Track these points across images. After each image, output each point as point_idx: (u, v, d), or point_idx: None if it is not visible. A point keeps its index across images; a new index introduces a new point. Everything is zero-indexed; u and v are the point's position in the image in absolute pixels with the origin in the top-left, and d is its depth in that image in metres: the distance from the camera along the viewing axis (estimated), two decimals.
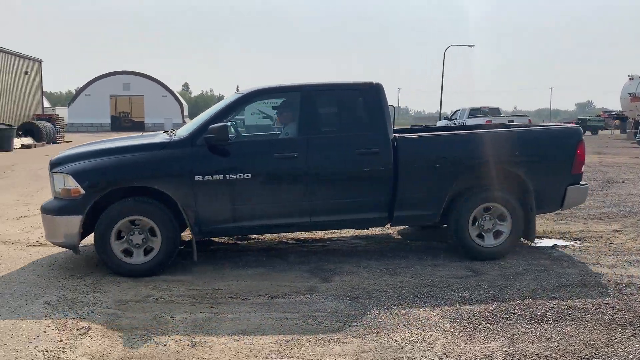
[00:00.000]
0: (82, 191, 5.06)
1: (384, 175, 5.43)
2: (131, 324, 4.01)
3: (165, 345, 3.63)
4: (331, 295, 4.58)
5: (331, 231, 7.00)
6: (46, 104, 46.32)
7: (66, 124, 39.63)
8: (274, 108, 6.58)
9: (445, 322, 4.00)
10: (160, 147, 5.37)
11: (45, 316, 4.16)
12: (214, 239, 6.49)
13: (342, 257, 5.78)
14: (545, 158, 5.75)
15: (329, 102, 5.87)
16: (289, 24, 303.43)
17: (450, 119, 27.46)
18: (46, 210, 5.26)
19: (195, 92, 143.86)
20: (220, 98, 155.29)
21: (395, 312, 4.20)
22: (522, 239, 5.93)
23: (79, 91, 56.92)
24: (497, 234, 5.63)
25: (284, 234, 6.83)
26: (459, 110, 27.91)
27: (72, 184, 5.09)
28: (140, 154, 5.35)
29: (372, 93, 5.64)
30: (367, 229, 6.50)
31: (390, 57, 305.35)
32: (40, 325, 3.98)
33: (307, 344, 3.64)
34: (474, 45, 44.45)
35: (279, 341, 3.68)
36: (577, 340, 3.68)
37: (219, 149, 5.26)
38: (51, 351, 3.55)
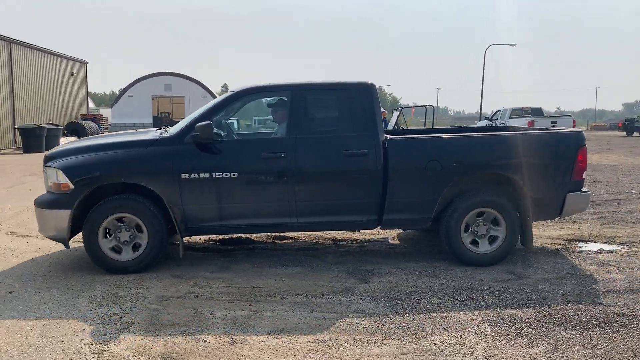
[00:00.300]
0: (72, 186, 5.15)
1: (373, 177, 5.34)
2: (172, 319, 4.09)
3: (205, 341, 3.69)
4: (369, 296, 4.56)
5: (369, 232, 6.97)
6: (91, 104, 47.76)
7: (110, 124, 40.80)
8: (268, 106, 6.53)
9: (486, 326, 3.93)
10: (148, 144, 5.39)
11: (91, 310, 4.29)
12: (253, 237, 6.56)
13: (380, 258, 5.75)
14: (542, 163, 5.53)
15: (319, 102, 5.79)
16: (324, 23, 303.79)
17: (490, 120, 26.92)
18: (38, 203, 5.37)
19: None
20: None
21: (435, 314, 4.15)
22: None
23: (122, 92, 58.31)
24: (491, 240, 5.47)
25: (320, 233, 6.85)
26: (499, 110, 27.36)
27: (62, 178, 5.18)
28: (128, 151, 5.37)
29: (363, 93, 5.53)
30: (397, 230, 6.42)
31: (429, 56, 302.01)
32: (85, 319, 4.10)
33: (345, 344, 3.63)
34: (515, 44, 43.37)
35: (317, 341, 3.68)
36: (624, 348, 3.55)
37: (206, 147, 5.27)
38: (96, 344, 3.65)
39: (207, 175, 5.19)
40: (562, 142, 5.69)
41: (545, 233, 6.80)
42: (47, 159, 5.45)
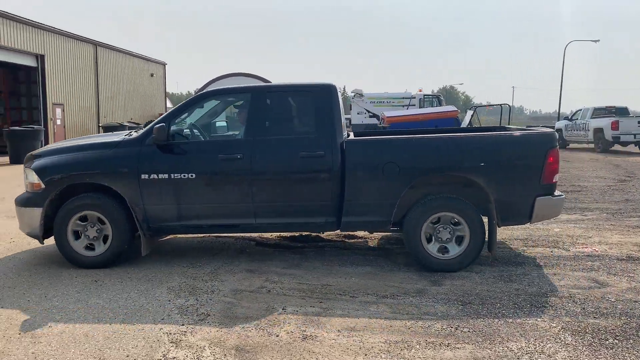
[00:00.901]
0: (43, 185, 5.39)
1: (330, 179, 5.24)
2: (246, 313, 4.19)
3: (277, 335, 3.75)
4: (441, 299, 4.47)
5: None
6: (168, 104, 49.70)
7: None
8: (236, 107, 6.43)
9: (567, 334, 3.75)
10: (113, 146, 5.52)
11: (169, 301, 4.47)
12: (323, 235, 6.60)
13: None
14: (508, 166, 5.24)
15: (279, 104, 5.74)
16: (399, 23, 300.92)
17: (570, 119, 25.64)
18: (16, 202, 5.65)
19: None
20: None
21: (511, 320, 4.01)
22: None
23: (198, 92, 60.52)
24: (454, 245, 5.23)
25: (391, 233, 6.79)
26: (580, 109, 26.00)
27: (35, 178, 5.45)
28: (94, 152, 5.52)
29: (322, 95, 5.47)
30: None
31: (505, 54, 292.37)
32: (164, 309, 4.27)
33: (417, 346, 3.58)
34: (599, 40, 41.01)
35: (388, 341, 3.65)
36: None
37: (167, 148, 5.36)
38: (174, 334, 3.80)
39: (166, 176, 5.28)
40: (530, 143, 5.37)
41: (631, 239, 6.40)
42: (26, 160, 5.73)
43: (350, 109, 32.61)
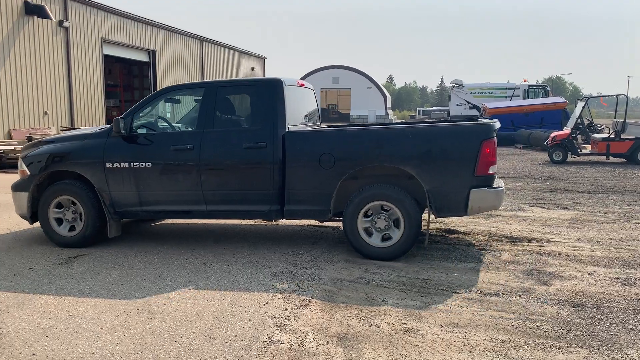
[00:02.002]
0: (28, 172, 6.09)
1: (272, 169, 5.45)
2: (346, 302, 4.23)
3: (378, 327, 3.75)
4: (551, 300, 4.24)
5: (549, 232, 6.50)
6: None
7: None
8: (195, 101, 6.53)
9: None
10: (84, 138, 6.04)
11: (272, 286, 4.61)
12: (422, 229, 6.49)
13: (562, 260, 5.31)
14: (439, 157, 5.22)
15: (229, 98, 5.97)
16: (498, 16, 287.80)
17: None
18: (11, 187, 6.32)
19: (399, 83, 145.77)
20: (424, 89, 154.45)
21: (631, 326, 3.72)
22: None
23: None
24: (389, 235, 5.33)
25: (494, 229, 6.55)
26: None
27: (22, 166, 6.18)
28: (70, 143, 6.08)
29: (268, 89, 5.66)
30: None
31: (617, 41, 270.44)
32: (268, 294, 4.42)
33: (526, 346, 3.42)
34: None
35: (494, 340, 3.53)
36: None
37: (128, 139, 5.82)
38: (278, 318, 3.92)
39: (127, 164, 5.74)
40: (463, 134, 5.28)
41: None
42: (23, 149, 6.40)
43: (449, 100, 31.76)
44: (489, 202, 5.33)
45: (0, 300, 4.35)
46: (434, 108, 63.30)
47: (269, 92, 5.66)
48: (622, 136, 14.91)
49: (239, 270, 5.06)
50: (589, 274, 4.86)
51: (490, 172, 5.25)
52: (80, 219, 5.97)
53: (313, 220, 6.03)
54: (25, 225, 7.10)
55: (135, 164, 5.74)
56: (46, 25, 18.91)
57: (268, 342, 3.52)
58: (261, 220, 7.09)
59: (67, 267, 5.25)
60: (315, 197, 5.47)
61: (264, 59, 40.20)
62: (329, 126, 6.97)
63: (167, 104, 6.30)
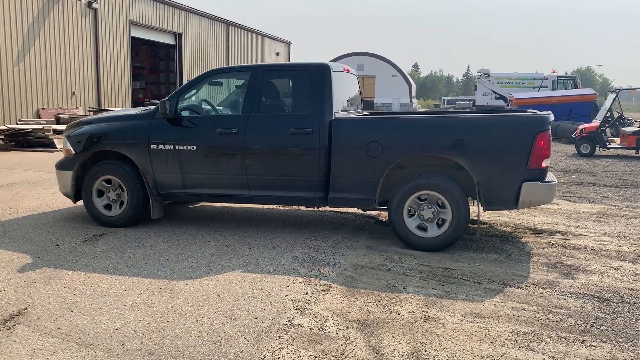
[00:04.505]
0: (73, 151, 6.13)
1: (317, 156, 5.39)
2: (366, 288, 4.22)
3: (399, 314, 3.74)
4: (575, 294, 4.17)
5: (574, 225, 6.38)
6: None
7: None
8: (236, 87, 6.47)
9: None
10: (130, 119, 6.06)
11: (293, 270, 4.63)
12: None
13: (588, 254, 5.21)
14: (492, 149, 5.07)
15: (275, 83, 5.90)
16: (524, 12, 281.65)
17: None
18: (56, 165, 6.39)
19: (424, 72, 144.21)
20: (449, 78, 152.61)
21: None
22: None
23: None
24: (437, 225, 5.22)
25: (519, 221, 6.46)
26: None
27: (68, 145, 6.21)
28: (115, 124, 6.09)
29: (316, 74, 5.59)
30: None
31: None
32: (289, 277, 4.44)
33: (548, 339, 3.38)
34: None
35: (515, 331, 3.49)
36: None
37: (174, 122, 5.81)
38: (299, 301, 3.93)
39: (171, 146, 5.74)
40: (517, 126, 5.12)
41: None
42: (68, 128, 6.43)
43: (475, 90, 31.31)
44: (541, 196, 5.17)
45: (27, 275, 4.45)
46: (459, 97, 62.50)
47: (317, 78, 5.60)
48: None
49: (260, 253, 5.09)
50: (615, 269, 4.77)
51: (544, 165, 5.09)
52: (123, 199, 6.00)
53: (356, 208, 5.98)
54: (51, 202, 7.24)
55: (179, 146, 5.73)
56: (75, 6, 19.11)
57: (288, 325, 3.54)
58: (287, 205, 7.10)
59: (92, 245, 5.34)
60: (361, 186, 5.39)
61: (289, 44, 40.09)
62: (371, 113, 6.92)
63: (209, 86, 6.27)
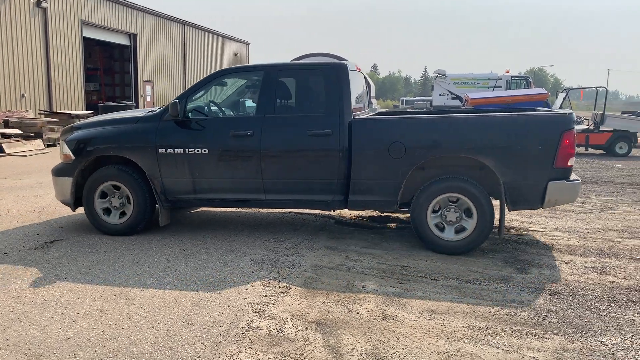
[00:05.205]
0: (73, 157, 5.78)
1: (337, 158, 5.24)
2: (326, 288, 4.23)
3: (358, 313, 3.75)
4: (528, 288, 4.29)
5: (527, 221, 6.57)
6: None
7: None
8: (247, 87, 6.37)
9: None
10: (135, 121, 5.75)
11: (252, 272, 4.59)
12: (402, 217, 6.52)
13: (540, 249, 5.37)
14: (519, 148, 4.98)
15: (290, 83, 5.71)
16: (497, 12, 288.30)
17: None
18: (52, 171, 6.05)
19: (383, 73, 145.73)
20: (407, 79, 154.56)
21: (604, 314, 3.78)
22: None
23: None
24: (460, 228, 5.10)
25: None
26: None
27: (67, 150, 5.83)
28: (118, 127, 5.78)
29: (332, 74, 5.44)
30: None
31: (599, 34, 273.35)
32: (248, 280, 4.40)
33: (502, 333, 3.46)
34: None
35: (471, 326, 3.56)
36: None
37: (182, 124, 5.54)
38: (257, 304, 3.90)
39: (181, 150, 5.48)
40: (543, 125, 5.09)
41: None
42: (64, 132, 6.10)
43: (432, 90, 31.83)
44: (567, 195, 5.14)
45: None
46: (417, 98, 63.38)
47: (334, 77, 5.44)
48: (601, 128, 15.10)
49: (218, 257, 5.02)
50: (565, 263, 4.93)
51: (569, 164, 5.06)
52: (128, 206, 5.73)
53: (375, 210, 5.84)
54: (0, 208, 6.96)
55: (190, 149, 5.49)
56: (23, 4, 18.45)
57: (247, 328, 3.51)
58: (241, 208, 7.03)
59: (43, 252, 5.16)
60: (382, 187, 5.26)
61: (247, 44, 39.81)
62: (387, 113, 6.82)
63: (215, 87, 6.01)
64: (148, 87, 26.80)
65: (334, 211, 5.58)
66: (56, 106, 20.25)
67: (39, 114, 18.84)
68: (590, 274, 4.64)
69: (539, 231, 6.09)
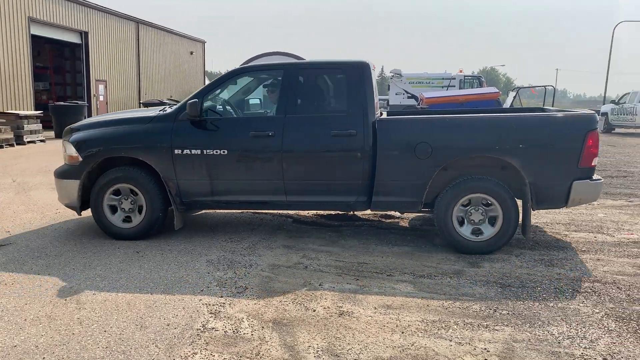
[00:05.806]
0: (80, 158, 5.52)
1: (361, 158, 5.18)
2: (283, 287, 4.23)
3: (314, 310, 3.77)
4: (480, 281, 4.41)
5: None
6: (207, 81, 50.26)
7: None
8: (264, 87, 6.35)
9: (610, 321, 3.65)
10: (147, 121, 5.55)
11: (208, 273, 4.55)
12: (360, 215, 6.59)
13: None
14: (545, 148, 5.05)
15: (311, 81, 5.64)
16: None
17: (617, 103, 24.72)
18: (55, 174, 5.79)
19: None
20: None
21: (552, 304, 3.92)
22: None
23: None
24: (486, 228, 5.13)
25: (428, 214, 6.72)
26: (628, 93, 25.02)
27: (73, 151, 5.57)
28: (130, 127, 5.57)
29: (355, 73, 5.36)
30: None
31: (549, 35, 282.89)
32: (203, 281, 4.35)
33: (455, 326, 3.55)
34: None
35: (425, 320, 3.63)
36: None
37: (199, 124, 5.37)
38: (213, 305, 3.87)
39: (199, 151, 5.31)
40: (568, 125, 5.18)
41: None
42: (66, 132, 5.84)
43: (389, 90, 32.21)
44: (590, 194, 5.20)
45: None
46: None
47: (357, 76, 5.34)
48: None
49: (173, 259, 4.95)
50: (515, 256, 5.09)
51: (593, 164, 5.12)
52: (139, 210, 5.51)
53: (398, 212, 5.83)
54: None
55: (208, 150, 5.31)
56: None
57: (202, 329, 3.47)
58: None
59: None
60: (407, 188, 5.20)
61: (203, 42, 39.32)
62: (411, 113, 6.71)
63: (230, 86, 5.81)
64: (101, 87, 26.13)
65: (352, 212, 5.46)
66: (3, 106, 19.50)
67: None
68: (539, 266, 4.80)
69: None
